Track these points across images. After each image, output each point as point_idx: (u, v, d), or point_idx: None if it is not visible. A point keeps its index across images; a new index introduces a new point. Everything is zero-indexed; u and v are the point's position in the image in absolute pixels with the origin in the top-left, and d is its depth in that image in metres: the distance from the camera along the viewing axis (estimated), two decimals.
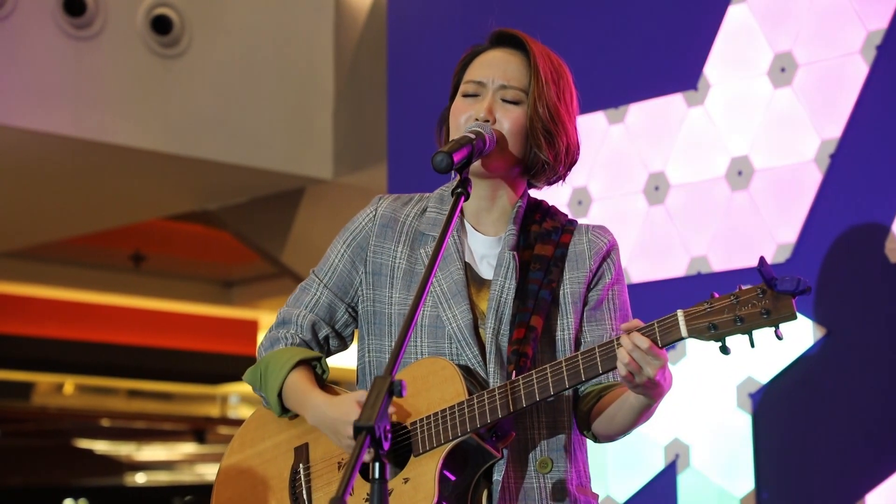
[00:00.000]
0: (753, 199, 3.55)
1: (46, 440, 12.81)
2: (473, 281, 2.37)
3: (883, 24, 3.36)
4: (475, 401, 2.20)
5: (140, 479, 13.19)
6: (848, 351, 3.34)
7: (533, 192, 2.49)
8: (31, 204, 7.71)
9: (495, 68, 2.38)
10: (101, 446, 13.25)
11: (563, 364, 2.17)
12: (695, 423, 3.58)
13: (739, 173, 3.58)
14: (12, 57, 5.86)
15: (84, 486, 12.18)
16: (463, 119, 2.35)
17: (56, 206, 7.81)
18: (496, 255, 2.38)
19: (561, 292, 2.37)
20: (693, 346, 3.59)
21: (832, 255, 3.38)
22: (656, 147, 3.77)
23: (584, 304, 2.40)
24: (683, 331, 2.08)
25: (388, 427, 1.82)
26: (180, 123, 6.34)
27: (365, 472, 2.16)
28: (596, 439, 2.39)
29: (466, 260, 2.38)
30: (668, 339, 2.10)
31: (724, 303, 2.06)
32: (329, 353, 2.49)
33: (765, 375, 3.46)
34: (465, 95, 2.39)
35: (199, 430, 13.12)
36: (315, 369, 2.40)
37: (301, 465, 2.37)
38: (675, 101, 3.74)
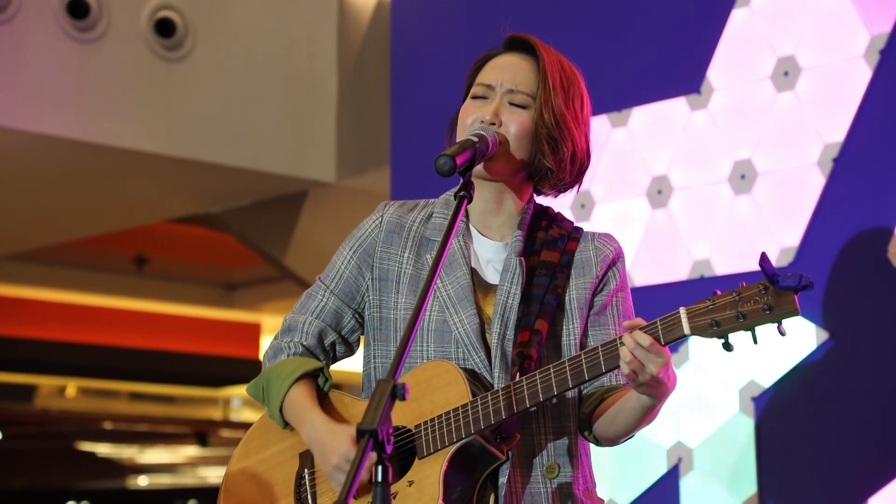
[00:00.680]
0: (756, 203, 3.55)
1: (49, 443, 12.83)
2: (479, 286, 2.38)
3: (886, 28, 3.36)
4: (479, 403, 2.20)
5: (142, 481, 13.20)
6: (851, 355, 3.34)
7: (540, 200, 2.49)
8: (34, 207, 7.72)
9: (505, 72, 2.38)
10: (103, 449, 13.26)
11: (567, 364, 2.17)
12: (697, 426, 3.58)
13: (742, 177, 3.58)
14: (16, 59, 5.87)
15: (86, 489, 12.19)
16: (470, 121, 2.36)
17: (59, 209, 7.81)
18: (502, 261, 2.38)
19: (566, 298, 2.38)
20: (696, 349, 3.59)
21: (835, 259, 3.38)
22: (659, 150, 3.77)
23: (590, 309, 2.40)
24: (686, 328, 2.08)
25: (390, 430, 1.82)
26: (183, 126, 6.35)
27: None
28: (598, 442, 2.39)
29: (472, 265, 2.38)
30: (670, 337, 2.10)
31: (726, 300, 2.07)
32: (335, 360, 2.49)
33: (768, 379, 3.46)
34: (475, 98, 2.39)
35: (202, 432, 13.13)
36: (317, 379, 2.40)
37: (306, 471, 2.37)
38: (679, 104, 3.74)
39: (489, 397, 2.20)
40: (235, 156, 6.55)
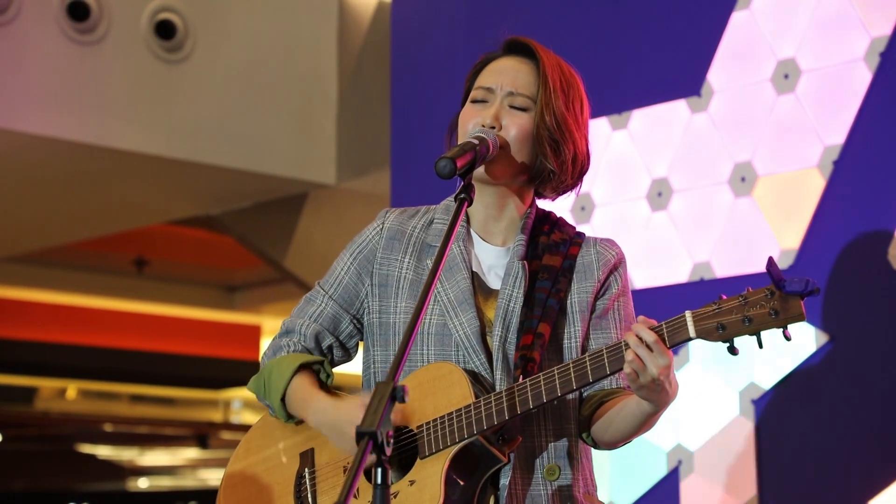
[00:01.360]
0: (757, 206, 3.54)
1: (49, 445, 12.81)
2: (481, 290, 2.38)
3: (886, 30, 3.36)
4: (482, 404, 2.20)
5: (143, 484, 13.19)
6: (851, 357, 3.34)
7: (541, 203, 2.49)
8: (35, 208, 7.72)
9: (505, 75, 2.38)
10: (103, 451, 13.25)
11: (571, 366, 2.17)
12: (698, 429, 3.58)
13: (742, 179, 3.58)
14: (16, 61, 5.87)
15: (87, 492, 12.18)
16: (471, 125, 2.36)
17: (59, 211, 7.82)
18: (504, 266, 2.38)
19: (568, 301, 2.38)
20: (696, 352, 3.59)
21: (835, 262, 3.38)
22: (659, 153, 3.77)
23: (591, 313, 2.40)
24: (692, 331, 2.09)
25: (390, 433, 1.82)
26: (183, 128, 6.35)
27: (369, 475, 2.16)
28: (596, 445, 2.39)
29: (474, 269, 2.38)
30: (676, 340, 2.10)
31: (732, 304, 2.07)
32: (333, 364, 2.49)
33: (768, 382, 3.46)
34: (474, 101, 2.40)
35: (202, 435, 13.12)
36: (318, 374, 2.41)
37: (306, 470, 2.37)
38: (679, 107, 3.74)
39: (492, 398, 2.20)
40: (236, 158, 6.56)
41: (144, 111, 6.26)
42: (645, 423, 2.26)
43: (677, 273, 3.68)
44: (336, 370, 2.49)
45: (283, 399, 2.38)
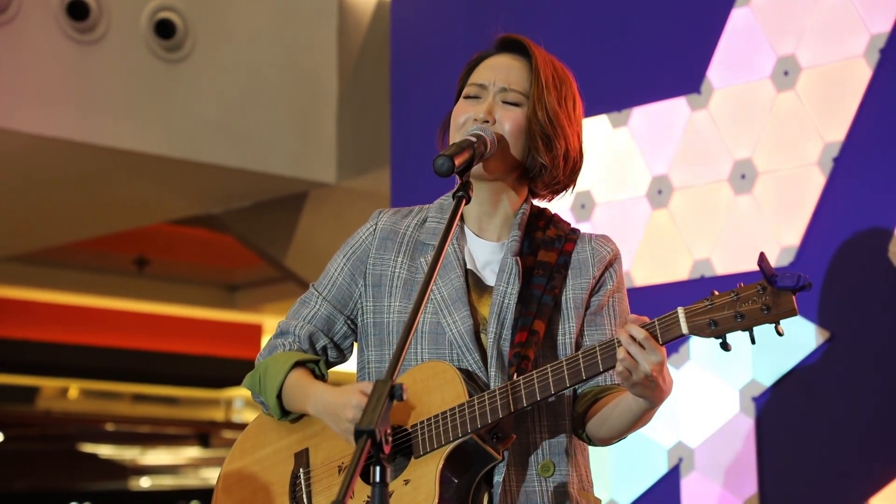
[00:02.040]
0: (757, 203, 3.54)
1: (51, 444, 12.83)
2: (475, 287, 2.38)
3: (886, 27, 3.35)
4: (476, 402, 2.20)
5: (144, 483, 13.21)
6: (851, 354, 3.34)
7: (539, 203, 2.49)
8: (35, 208, 7.73)
9: (498, 72, 2.39)
10: (105, 450, 13.27)
11: (564, 363, 2.17)
12: (698, 426, 3.58)
13: (743, 177, 3.58)
14: (16, 61, 5.88)
15: (88, 491, 12.19)
16: (462, 119, 2.36)
17: (59, 211, 7.82)
18: (499, 262, 2.38)
19: (563, 298, 2.38)
20: (696, 349, 3.59)
21: (835, 259, 3.37)
22: (659, 150, 3.77)
23: (586, 309, 2.40)
24: (684, 327, 2.08)
25: (388, 431, 1.82)
26: (184, 127, 6.35)
27: (365, 475, 2.15)
28: (591, 442, 2.39)
29: (469, 267, 2.38)
30: (668, 336, 2.10)
31: (724, 300, 2.07)
32: (327, 365, 2.49)
33: (768, 379, 3.46)
34: (467, 98, 2.40)
35: (204, 434, 13.14)
36: (314, 372, 2.41)
37: (301, 470, 2.37)
38: (679, 104, 3.74)
39: (486, 397, 2.20)
40: (236, 157, 6.56)
41: (144, 110, 6.26)
42: (640, 419, 2.26)
43: (678, 271, 3.68)
44: (330, 371, 2.48)
45: (279, 395, 2.38)
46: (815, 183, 3.43)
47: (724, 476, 3.52)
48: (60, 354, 11.49)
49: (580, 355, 2.16)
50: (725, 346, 2.07)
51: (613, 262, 2.43)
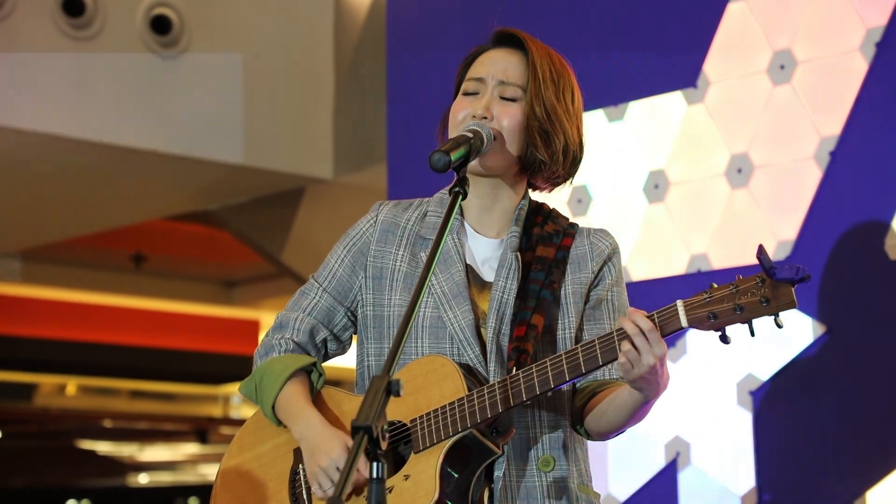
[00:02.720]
0: (753, 197, 3.54)
1: (49, 441, 12.83)
2: (475, 282, 2.37)
3: (882, 20, 3.35)
4: (475, 396, 2.20)
5: (143, 479, 13.20)
6: (848, 348, 3.34)
7: (535, 195, 2.48)
8: (31, 205, 7.72)
9: (495, 66, 2.38)
10: (103, 447, 13.26)
11: (563, 357, 2.17)
12: (695, 420, 3.58)
13: (739, 171, 3.58)
14: (11, 57, 5.86)
15: (87, 487, 12.20)
16: (461, 116, 2.36)
17: (56, 207, 7.81)
18: (498, 258, 2.38)
19: (562, 292, 2.38)
20: (693, 343, 3.59)
21: (832, 253, 3.37)
22: (656, 145, 3.77)
23: (585, 304, 2.40)
24: (683, 320, 2.08)
25: (385, 427, 1.82)
26: (180, 123, 6.34)
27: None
28: (589, 436, 2.39)
29: (468, 262, 2.38)
30: (668, 329, 2.10)
31: (723, 292, 2.06)
32: (327, 357, 2.49)
33: (765, 373, 3.46)
34: (465, 94, 2.40)
35: (202, 430, 13.13)
36: (311, 375, 2.40)
37: (301, 466, 2.37)
38: (675, 98, 3.74)
39: (485, 391, 2.20)
40: (232, 153, 6.54)
41: (140, 106, 6.25)
42: (637, 412, 2.25)
43: (674, 265, 3.68)
44: (329, 364, 2.48)
45: (273, 407, 2.38)
46: (812, 177, 3.43)
47: (722, 470, 3.52)
48: (58, 351, 11.48)
49: (579, 349, 2.16)
50: (725, 339, 2.07)
51: (612, 255, 2.43)
